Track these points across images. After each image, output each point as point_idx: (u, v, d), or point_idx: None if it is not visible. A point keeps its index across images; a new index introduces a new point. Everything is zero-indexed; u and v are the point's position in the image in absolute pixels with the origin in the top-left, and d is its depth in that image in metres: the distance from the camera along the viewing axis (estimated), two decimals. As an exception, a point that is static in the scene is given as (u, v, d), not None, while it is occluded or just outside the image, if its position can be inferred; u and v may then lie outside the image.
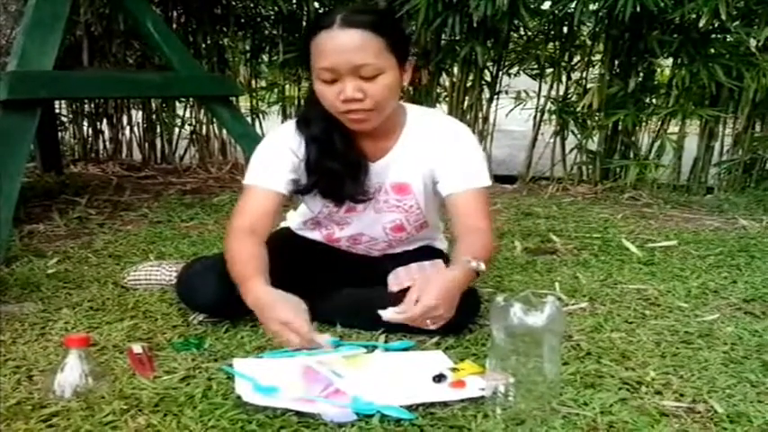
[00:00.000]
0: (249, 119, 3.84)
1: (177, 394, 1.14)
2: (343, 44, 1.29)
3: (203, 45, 3.85)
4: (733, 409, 1.14)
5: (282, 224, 1.74)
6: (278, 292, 1.27)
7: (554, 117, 3.57)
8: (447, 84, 3.67)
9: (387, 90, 1.34)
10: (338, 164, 1.44)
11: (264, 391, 1.13)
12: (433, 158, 1.47)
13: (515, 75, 3.70)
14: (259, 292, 1.28)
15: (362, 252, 1.63)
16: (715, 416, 1.12)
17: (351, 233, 1.59)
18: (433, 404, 1.11)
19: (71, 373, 1.13)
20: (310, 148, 1.45)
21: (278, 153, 1.47)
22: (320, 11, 3.73)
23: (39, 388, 1.16)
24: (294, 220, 1.70)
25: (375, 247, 1.63)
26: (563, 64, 3.53)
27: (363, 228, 1.57)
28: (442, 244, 1.73)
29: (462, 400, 1.12)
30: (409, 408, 1.09)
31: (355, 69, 1.30)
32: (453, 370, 1.22)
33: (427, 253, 1.62)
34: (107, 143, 4.22)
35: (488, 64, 3.51)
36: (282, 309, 1.22)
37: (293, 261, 1.53)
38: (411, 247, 1.64)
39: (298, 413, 1.07)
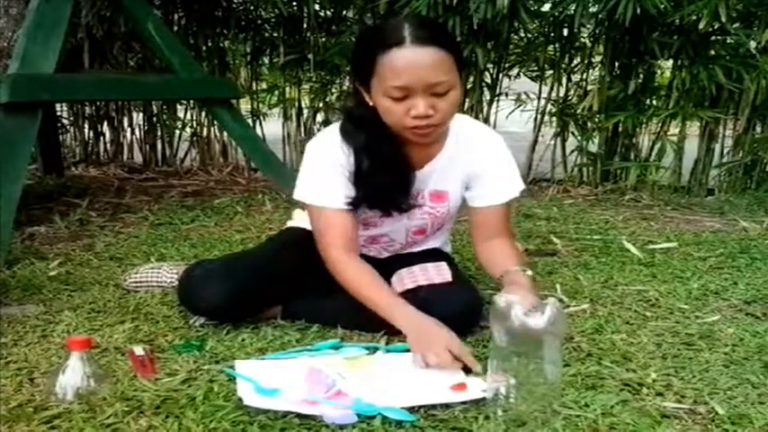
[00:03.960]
0: (250, 121, 3.83)
1: (179, 396, 1.14)
2: (418, 63, 1.26)
3: (204, 47, 3.85)
4: (734, 410, 1.14)
5: (289, 223, 1.74)
6: (429, 319, 1.30)
7: (554, 119, 3.57)
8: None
9: (454, 105, 1.34)
10: (389, 176, 1.43)
11: (266, 392, 1.13)
12: (472, 168, 1.49)
13: (516, 77, 3.69)
14: (412, 317, 1.32)
15: (373, 254, 1.62)
16: (716, 417, 1.12)
17: (374, 233, 1.58)
18: (434, 406, 1.11)
19: (73, 376, 1.14)
20: (360, 158, 1.42)
21: (332, 171, 1.43)
22: (320, 13, 3.74)
23: (40, 390, 1.16)
24: (305, 219, 1.65)
25: (389, 249, 1.62)
26: (563, 66, 3.53)
27: (389, 230, 1.57)
28: (447, 247, 1.73)
29: (464, 402, 1.13)
30: (410, 409, 1.09)
31: (430, 87, 1.28)
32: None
33: (433, 255, 1.62)
34: (108, 145, 4.21)
35: (489, 66, 3.50)
36: (444, 337, 1.25)
37: (306, 262, 1.51)
38: (417, 249, 1.64)
39: (299, 415, 1.07)
